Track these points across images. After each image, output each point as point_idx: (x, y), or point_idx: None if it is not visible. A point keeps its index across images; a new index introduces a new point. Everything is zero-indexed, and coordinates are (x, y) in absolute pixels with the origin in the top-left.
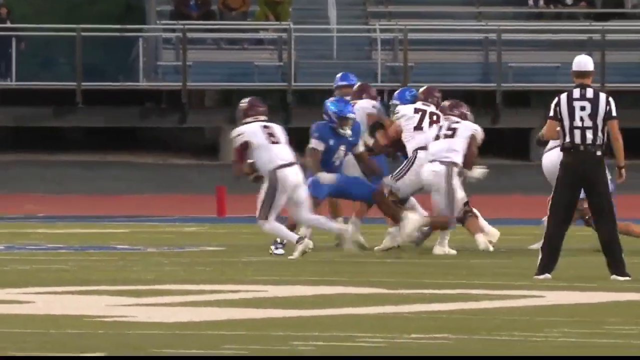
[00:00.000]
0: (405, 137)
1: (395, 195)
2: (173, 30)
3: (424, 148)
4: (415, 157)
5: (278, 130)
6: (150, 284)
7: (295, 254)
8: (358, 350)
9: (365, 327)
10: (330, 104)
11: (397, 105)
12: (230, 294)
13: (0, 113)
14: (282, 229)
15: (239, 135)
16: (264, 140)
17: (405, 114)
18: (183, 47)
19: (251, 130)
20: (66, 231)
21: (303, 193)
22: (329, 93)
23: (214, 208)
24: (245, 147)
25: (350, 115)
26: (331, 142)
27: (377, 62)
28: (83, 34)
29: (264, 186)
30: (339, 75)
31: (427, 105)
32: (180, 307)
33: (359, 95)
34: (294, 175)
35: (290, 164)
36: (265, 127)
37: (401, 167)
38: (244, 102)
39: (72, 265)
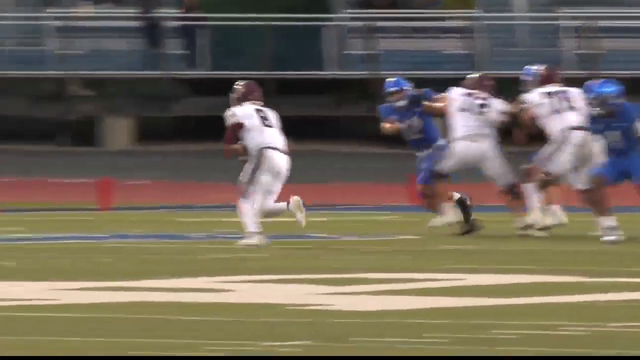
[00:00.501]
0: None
1: (549, 174)
2: (359, 19)
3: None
4: (567, 136)
5: (271, 115)
6: (347, 272)
7: (242, 242)
8: (561, 339)
9: (564, 315)
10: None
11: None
12: (428, 282)
13: (191, 102)
14: (248, 214)
15: (232, 115)
16: (257, 122)
17: (533, 101)
18: (370, 35)
19: (245, 113)
20: (265, 220)
21: (279, 185)
22: (515, 81)
23: (405, 196)
24: (238, 128)
25: None
26: None
27: (563, 50)
28: (269, 23)
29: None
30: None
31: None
32: (377, 296)
33: (547, 81)
34: (281, 161)
35: (280, 150)
36: (258, 110)
37: (549, 148)
38: (240, 85)
39: (270, 254)
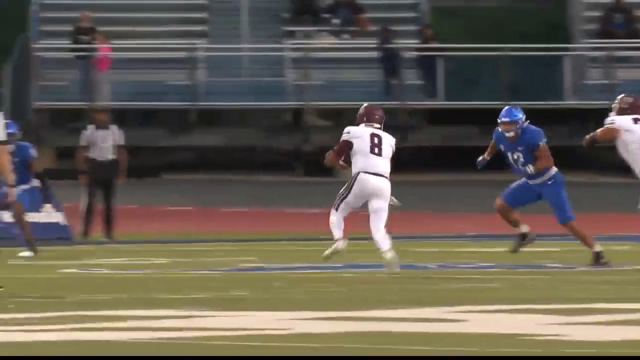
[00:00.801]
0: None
1: None
2: (599, 49)
3: None
4: None
5: (386, 141)
6: (581, 302)
7: (327, 252)
8: None
9: None
10: None
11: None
12: None
13: (426, 132)
14: (336, 226)
15: (347, 133)
16: (367, 147)
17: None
18: (610, 65)
19: (360, 134)
20: (495, 250)
21: (379, 203)
22: None
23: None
24: (348, 146)
25: None
26: None
27: None
28: (507, 53)
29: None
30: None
31: None
32: (612, 326)
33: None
34: (375, 182)
35: (378, 174)
36: (373, 134)
37: None
38: (362, 108)
39: (502, 285)
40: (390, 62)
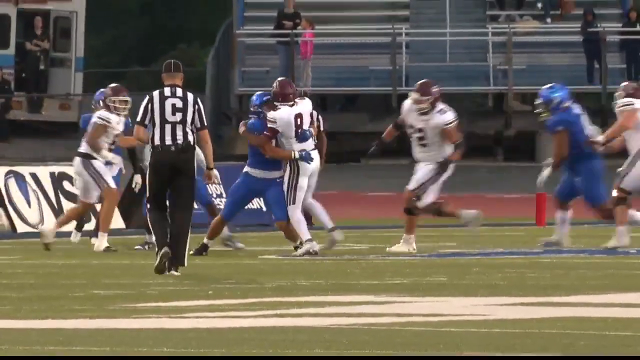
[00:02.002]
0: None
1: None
2: None
3: None
4: None
5: (306, 117)
6: None
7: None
8: None
9: None
10: None
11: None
12: None
13: None
14: (302, 224)
15: (274, 122)
16: (293, 131)
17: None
18: None
19: (285, 121)
20: None
21: (313, 180)
22: None
23: None
24: (275, 133)
25: None
26: None
27: None
28: None
29: None
30: None
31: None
32: None
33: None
34: (315, 160)
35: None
36: (296, 116)
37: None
38: (276, 86)
39: None
40: (593, 45)
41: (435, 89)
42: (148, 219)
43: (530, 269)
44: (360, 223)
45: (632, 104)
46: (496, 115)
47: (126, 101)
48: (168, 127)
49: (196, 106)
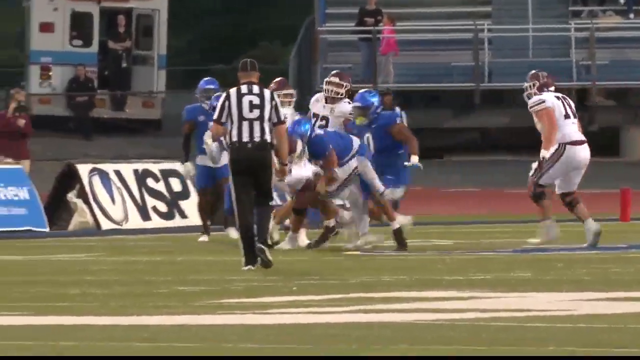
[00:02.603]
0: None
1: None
2: None
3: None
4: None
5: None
6: None
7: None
8: None
9: None
10: None
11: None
12: None
13: None
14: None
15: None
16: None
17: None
18: None
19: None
20: None
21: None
22: None
23: None
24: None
25: None
26: None
27: None
28: None
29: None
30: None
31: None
32: None
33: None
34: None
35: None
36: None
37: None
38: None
39: None
40: None
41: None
42: (235, 214)
43: (614, 264)
44: (443, 219)
45: (543, 102)
46: (579, 111)
47: (291, 94)
48: (246, 124)
49: (273, 102)
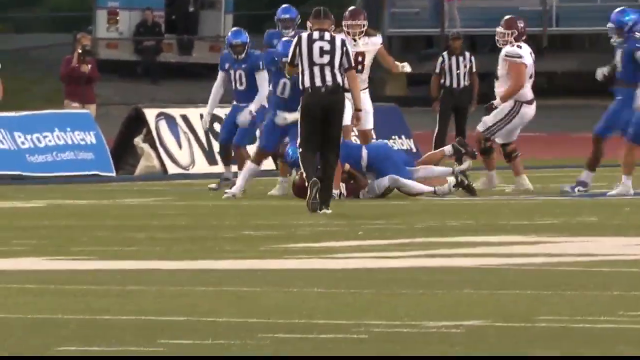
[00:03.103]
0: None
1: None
2: None
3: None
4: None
5: None
6: None
7: None
8: None
9: None
10: None
11: None
12: None
13: None
14: None
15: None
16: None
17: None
18: None
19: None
20: None
21: None
22: None
23: None
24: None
25: None
26: None
27: None
28: None
29: None
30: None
31: None
32: None
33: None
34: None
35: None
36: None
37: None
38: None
39: None
40: None
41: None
42: (299, 158)
43: None
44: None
45: (521, 57)
46: None
47: (362, 25)
48: (317, 69)
49: (344, 48)
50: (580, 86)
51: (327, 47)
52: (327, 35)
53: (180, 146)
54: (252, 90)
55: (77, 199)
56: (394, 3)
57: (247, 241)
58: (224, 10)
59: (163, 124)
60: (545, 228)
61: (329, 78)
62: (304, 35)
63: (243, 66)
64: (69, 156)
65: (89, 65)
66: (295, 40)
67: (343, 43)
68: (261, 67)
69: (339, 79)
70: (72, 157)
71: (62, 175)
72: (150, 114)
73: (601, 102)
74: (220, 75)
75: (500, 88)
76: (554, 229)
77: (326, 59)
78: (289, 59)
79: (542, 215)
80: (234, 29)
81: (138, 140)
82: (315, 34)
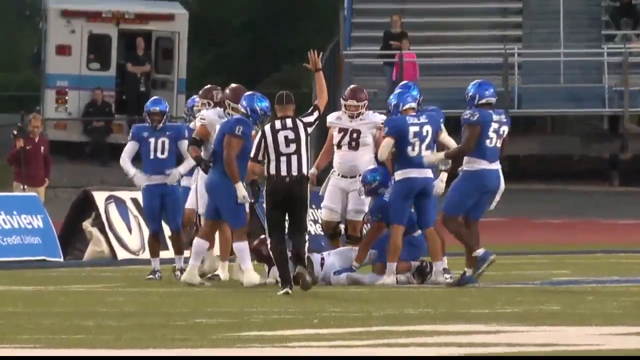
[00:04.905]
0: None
1: None
2: None
3: None
4: None
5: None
6: None
7: None
8: None
9: None
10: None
11: None
12: None
13: None
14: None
15: None
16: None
17: None
18: None
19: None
20: None
21: None
22: None
23: None
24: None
25: None
26: None
27: None
28: None
29: None
30: None
31: None
32: None
33: None
34: None
35: None
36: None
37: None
38: None
39: None
40: None
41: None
42: (270, 250)
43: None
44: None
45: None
46: (612, 138)
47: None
48: (283, 159)
49: (307, 131)
50: (542, 170)
51: (291, 135)
52: (289, 122)
53: (130, 230)
54: (172, 158)
55: (24, 285)
56: (351, 82)
57: (199, 329)
58: (177, 90)
59: (113, 208)
60: (506, 316)
61: (294, 168)
62: (267, 127)
63: (167, 133)
64: (15, 240)
65: (22, 140)
66: (259, 134)
67: (305, 127)
68: (185, 136)
69: (304, 169)
70: (19, 242)
71: (8, 260)
72: (100, 197)
73: (563, 186)
74: (132, 145)
75: None
76: (516, 317)
77: (292, 147)
78: (252, 155)
79: (504, 304)
80: (154, 97)
81: (87, 224)
82: (278, 124)
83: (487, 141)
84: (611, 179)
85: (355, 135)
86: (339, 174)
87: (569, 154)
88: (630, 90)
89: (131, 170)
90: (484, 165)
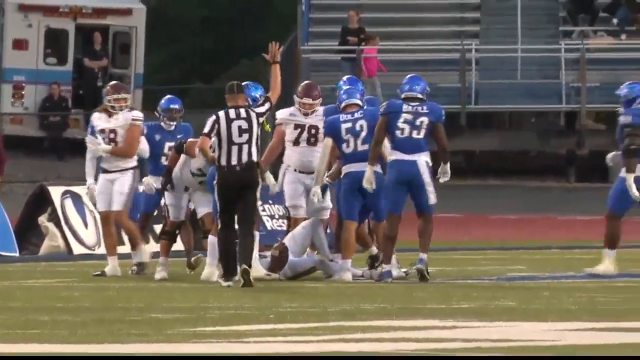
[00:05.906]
0: None
1: None
2: None
3: None
4: None
5: None
6: None
7: None
8: None
9: None
10: None
11: None
12: None
13: None
14: None
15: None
16: None
17: None
18: None
19: None
20: None
21: None
22: None
23: None
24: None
25: None
26: None
27: None
28: None
29: None
30: None
31: None
32: None
33: None
34: None
35: None
36: None
37: None
38: None
39: None
40: None
41: None
42: (218, 238)
43: (601, 293)
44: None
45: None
46: (569, 134)
47: (125, 99)
48: (235, 149)
49: (258, 120)
50: (499, 166)
51: (245, 125)
52: (242, 112)
53: (86, 225)
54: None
55: None
56: (309, 78)
57: (154, 324)
58: (134, 85)
59: (69, 202)
60: (462, 312)
61: (245, 156)
62: (221, 114)
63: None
64: None
65: None
66: (213, 117)
67: (257, 118)
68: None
69: (254, 156)
70: None
71: None
72: (56, 191)
73: (520, 182)
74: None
75: None
76: (472, 313)
77: (245, 137)
78: (206, 131)
79: (460, 299)
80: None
81: (42, 219)
82: (232, 112)
83: (398, 132)
84: (568, 175)
85: (313, 131)
86: (295, 170)
87: (526, 150)
88: (588, 87)
89: (90, 178)
90: (396, 155)
